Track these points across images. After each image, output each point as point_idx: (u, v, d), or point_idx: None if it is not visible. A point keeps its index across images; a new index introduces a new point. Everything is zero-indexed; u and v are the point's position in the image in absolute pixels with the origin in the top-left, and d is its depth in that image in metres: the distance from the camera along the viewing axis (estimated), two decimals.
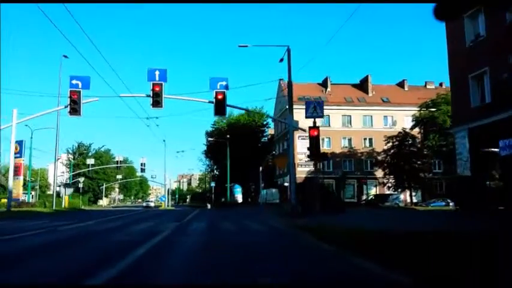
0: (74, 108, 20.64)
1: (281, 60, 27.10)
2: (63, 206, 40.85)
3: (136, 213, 32.95)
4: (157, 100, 20.62)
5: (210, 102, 21.49)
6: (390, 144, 45.95)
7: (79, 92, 20.81)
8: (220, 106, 20.97)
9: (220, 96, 20.92)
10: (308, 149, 13.53)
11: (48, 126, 58.95)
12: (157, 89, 20.63)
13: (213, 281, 5.01)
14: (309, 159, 13.90)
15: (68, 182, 69.77)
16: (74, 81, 21.08)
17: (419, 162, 44.70)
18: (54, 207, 35.62)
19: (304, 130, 23.69)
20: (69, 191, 39.60)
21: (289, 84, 24.49)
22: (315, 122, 13.62)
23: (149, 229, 13.46)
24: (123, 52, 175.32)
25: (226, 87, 21.35)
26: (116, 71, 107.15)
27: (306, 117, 13.70)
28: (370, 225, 12.85)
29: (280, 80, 63.07)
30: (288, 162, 21.54)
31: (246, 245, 8.98)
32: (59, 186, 53.30)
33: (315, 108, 13.55)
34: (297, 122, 23.13)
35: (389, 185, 47.88)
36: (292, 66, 23.91)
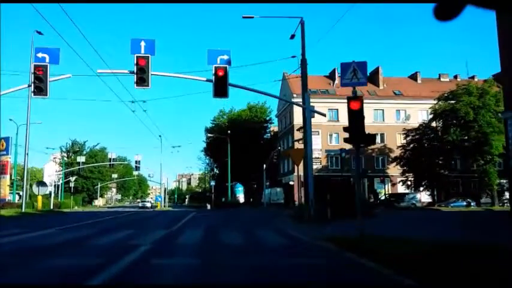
0: (39, 86, 16.63)
1: (292, 36, 23.11)
2: (40, 208, 36.55)
3: (124, 215, 28.80)
4: (142, 77, 16.59)
5: (208, 80, 17.47)
6: (409, 138, 41.82)
7: (45, 66, 16.81)
8: (220, 85, 16.93)
9: (220, 73, 16.90)
10: (346, 129, 9.47)
11: (37, 121, 55.03)
12: (142, 63, 16.61)
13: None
14: (349, 144, 9.58)
15: (61, 181, 65.99)
16: (40, 55, 17.08)
17: (441, 158, 40.60)
18: (24, 210, 31.52)
19: (323, 114, 19.75)
20: (44, 190, 35.41)
21: (303, 62, 20.62)
22: (355, 92, 9.60)
23: (121, 242, 9.50)
24: (103, 24, 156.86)
25: (229, 62, 17.36)
26: (93, 44, 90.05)
27: (342, 84, 9.71)
28: (444, 236, 8.86)
29: (284, 72, 59.26)
30: (304, 155, 17.50)
31: (270, 282, 4.95)
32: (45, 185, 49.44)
33: (354, 73, 9.53)
34: (313, 106, 19.16)
35: (409, 183, 43.78)
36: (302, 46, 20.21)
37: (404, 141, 44.46)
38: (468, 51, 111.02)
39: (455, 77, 61.70)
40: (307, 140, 17.96)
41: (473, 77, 58.20)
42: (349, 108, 9.45)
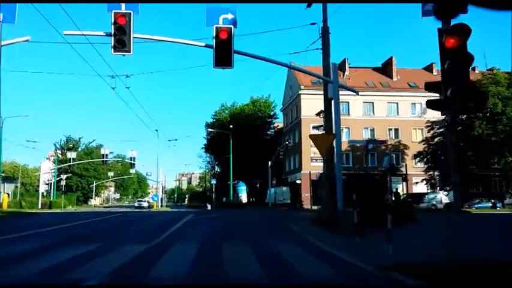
0: None
1: (309, 4, 19.26)
2: (5, 208, 32.20)
3: (109, 217, 24.42)
4: (121, 39, 12.65)
5: (207, 46, 13.51)
6: (434, 131, 37.79)
7: None
8: (223, 51, 12.98)
9: (223, 35, 12.95)
10: (430, 87, 5.51)
11: (23, 113, 50.62)
12: (122, 21, 12.69)
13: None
14: (438, 109, 5.49)
15: (54, 180, 62.07)
16: None
17: (472, 154, 36.65)
18: None
19: (355, 92, 15.91)
20: (10, 187, 31.37)
21: (325, 31, 16.78)
22: (448, 22, 5.64)
23: (56, 272, 5.59)
24: None
25: (234, 23, 13.42)
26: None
27: (424, 13, 5.85)
28: None
29: (291, 61, 55.15)
30: (330, 142, 13.53)
31: None
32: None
33: None
34: (339, 87, 15.22)
35: (433, 181, 39.79)
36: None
37: (422, 135, 40.52)
38: (485, 42, 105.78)
39: (474, 68, 57.69)
40: (334, 124, 14.03)
41: (491, 69, 54.25)
42: (443, 47, 5.51)
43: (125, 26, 12.75)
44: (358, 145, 46.56)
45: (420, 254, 7.30)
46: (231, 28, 13.13)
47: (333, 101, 14.34)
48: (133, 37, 12.96)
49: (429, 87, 5.82)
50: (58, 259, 6.79)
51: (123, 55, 13.01)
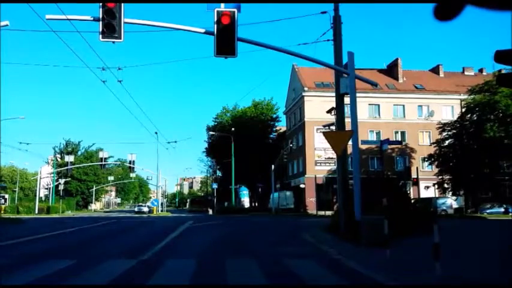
0: None
1: None
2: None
3: (101, 224, 22.63)
4: (110, 24, 11.30)
5: (207, 33, 12.10)
6: (445, 133, 36.23)
7: None
8: (225, 37, 11.60)
9: (226, 20, 11.58)
10: (507, 56, 4.02)
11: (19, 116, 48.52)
12: (111, 4, 11.32)
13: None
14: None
15: (52, 184, 60.68)
16: None
17: (487, 157, 35.10)
18: None
19: (374, 84, 14.49)
20: None
21: (336, 20, 15.35)
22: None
23: None
24: None
25: (238, 7, 12.03)
26: None
27: None
28: None
29: (294, 64, 54.00)
30: (347, 140, 12.04)
31: None
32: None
33: None
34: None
35: (446, 185, 38.20)
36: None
37: (429, 138, 38.98)
38: (491, 43, 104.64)
39: (481, 70, 56.43)
40: (351, 120, 12.56)
41: (500, 71, 52.79)
42: None
43: (114, 9, 11.39)
44: (365, 146, 45.01)
45: (475, 272, 5.81)
46: (234, 12, 11.74)
47: (348, 96, 12.88)
48: (124, 22, 11.60)
49: (502, 56, 4.35)
50: None
51: (113, 42, 11.61)
